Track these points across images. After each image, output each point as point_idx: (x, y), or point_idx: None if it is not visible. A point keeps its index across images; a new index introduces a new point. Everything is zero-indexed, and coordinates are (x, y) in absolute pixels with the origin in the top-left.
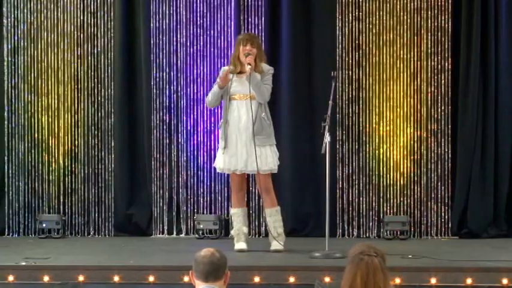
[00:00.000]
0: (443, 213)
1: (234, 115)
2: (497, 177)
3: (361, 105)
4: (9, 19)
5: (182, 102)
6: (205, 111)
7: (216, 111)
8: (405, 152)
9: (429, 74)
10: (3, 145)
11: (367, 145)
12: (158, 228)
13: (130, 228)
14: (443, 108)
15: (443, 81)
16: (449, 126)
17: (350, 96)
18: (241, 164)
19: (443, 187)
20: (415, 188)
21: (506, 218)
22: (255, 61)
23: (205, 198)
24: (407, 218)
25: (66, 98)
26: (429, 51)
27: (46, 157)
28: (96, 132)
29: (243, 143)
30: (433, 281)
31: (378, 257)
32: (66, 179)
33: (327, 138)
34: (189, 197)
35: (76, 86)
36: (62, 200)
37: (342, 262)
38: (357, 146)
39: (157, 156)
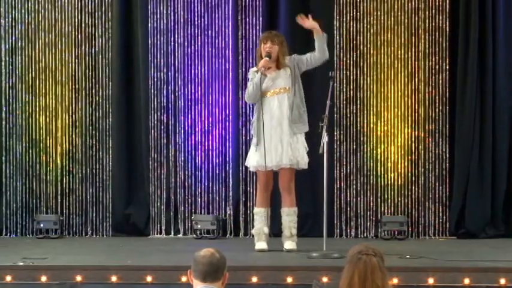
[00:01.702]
0: (441, 213)
1: (267, 112)
2: (495, 177)
3: (358, 105)
4: (6, 19)
5: (180, 103)
6: (202, 111)
7: (213, 111)
8: (403, 152)
9: (427, 74)
10: (0, 145)
11: (365, 145)
12: (156, 228)
13: (128, 228)
14: (440, 108)
15: (441, 81)
16: (447, 126)
17: (348, 96)
18: (277, 158)
19: (441, 187)
20: (413, 188)
21: (504, 218)
22: (278, 57)
23: (203, 198)
24: (405, 218)
25: (63, 98)
26: (427, 51)
27: (44, 157)
28: (93, 132)
29: (278, 139)
30: (431, 281)
31: (376, 257)
32: (64, 179)
33: (325, 138)
34: (186, 197)
35: (74, 86)
36: (59, 200)
37: (340, 262)
38: (354, 146)
39: (155, 156)
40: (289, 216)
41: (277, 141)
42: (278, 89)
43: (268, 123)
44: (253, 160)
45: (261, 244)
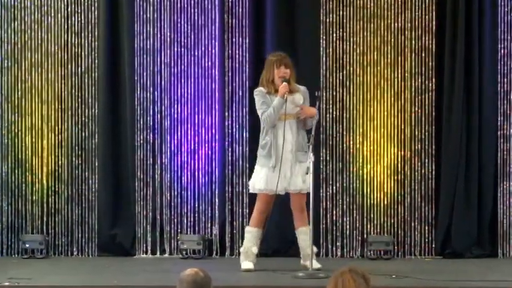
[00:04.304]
0: (427, 233)
1: (280, 136)
2: (481, 197)
3: (345, 125)
4: None
5: (166, 122)
6: (189, 131)
7: (200, 131)
8: (389, 172)
9: (413, 93)
10: None
11: (351, 165)
12: (142, 248)
13: (114, 248)
14: (427, 128)
15: (427, 101)
16: (433, 146)
17: (334, 116)
18: (285, 183)
19: (427, 207)
20: (399, 207)
21: (489, 238)
22: (289, 81)
23: (188, 218)
24: (391, 238)
25: (49, 118)
26: (413, 71)
27: (29, 177)
28: (79, 152)
29: (289, 164)
30: None
31: (360, 277)
32: (50, 199)
33: (311, 157)
34: (172, 217)
35: (60, 106)
36: (45, 220)
37: (326, 282)
38: (340, 166)
39: (141, 176)
40: (307, 235)
41: (287, 167)
42: (289, 114)
43: (279, 147)
44: (260, 183)
45: (247, 264)
